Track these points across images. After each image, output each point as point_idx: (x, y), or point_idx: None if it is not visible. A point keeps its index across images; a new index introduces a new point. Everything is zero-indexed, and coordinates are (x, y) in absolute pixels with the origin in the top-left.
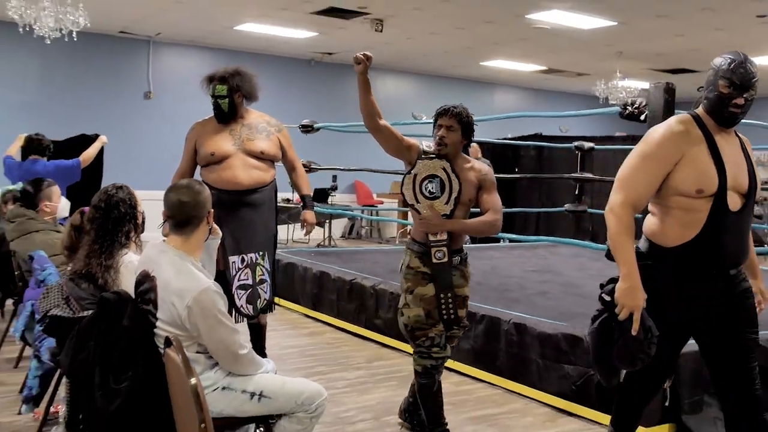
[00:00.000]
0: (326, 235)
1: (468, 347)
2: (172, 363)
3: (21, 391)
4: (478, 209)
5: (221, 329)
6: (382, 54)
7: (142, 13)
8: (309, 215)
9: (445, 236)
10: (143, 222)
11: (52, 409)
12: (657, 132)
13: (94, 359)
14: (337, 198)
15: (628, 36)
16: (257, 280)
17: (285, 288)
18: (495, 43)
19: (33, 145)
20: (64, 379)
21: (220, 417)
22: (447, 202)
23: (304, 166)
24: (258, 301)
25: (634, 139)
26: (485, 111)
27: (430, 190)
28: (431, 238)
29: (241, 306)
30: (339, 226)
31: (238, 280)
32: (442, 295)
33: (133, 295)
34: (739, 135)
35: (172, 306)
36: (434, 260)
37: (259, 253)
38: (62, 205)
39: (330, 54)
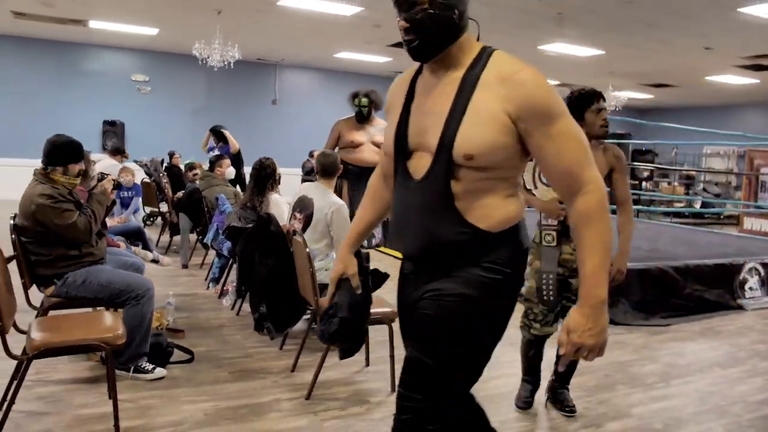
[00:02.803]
0: None
1: None
2: (298, 243)
3: (206, 278)
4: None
5: (345, 227)
6: None
7: (272, 47)
8: None
9: (556, 222)
10: (279, 178)
11: (225, 287)
12: None
13: (255, 249)
14: None
15: (612, 61)
16: None
17: None
18: None
19: (219, 136)
20: (233, 270)
21: (320, 283)
22: None
23: None
24: (372, 240)
25: (618, 136)
26: None
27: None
28: (543, 222)
29: None
30: None
31: None
32: (543, 276)
33: (278, 218)
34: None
35: (323, 212)
36: (544, 243)
37: None
38: (228, 171)
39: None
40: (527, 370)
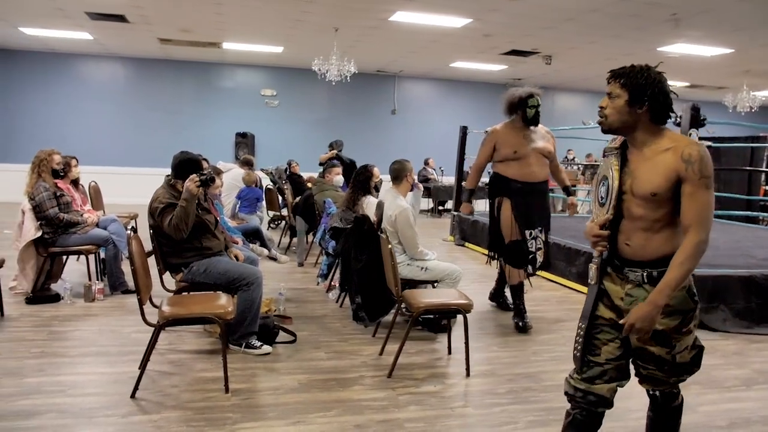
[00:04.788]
0: None
1: (575, 271)
2: (384, 241)
3: (318, 275)
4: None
5: (409, 230)
6: (553, 78)
7: (391, 60)
8: (573, 200)
9: (598, 253)
10: (375, 184)
11: (332, 283)
12: None
13: (352, 246)
14: None
15: (745, 60)
16: (537, 248)
17: (471, 235)
18: None
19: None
20: (338, 268)
21: (405, 278)
22: (608, 210)
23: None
24: (536, 263)
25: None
26: None
27: (601, 195)
28: (595, 253)
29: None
30: None
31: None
32: (580, 324)
33: (371, 217)
34: None
35: (390, 215)
36: (588, 279)
37: (539, 229)
38: (337, 178)
39: (519, 79)
40: None
